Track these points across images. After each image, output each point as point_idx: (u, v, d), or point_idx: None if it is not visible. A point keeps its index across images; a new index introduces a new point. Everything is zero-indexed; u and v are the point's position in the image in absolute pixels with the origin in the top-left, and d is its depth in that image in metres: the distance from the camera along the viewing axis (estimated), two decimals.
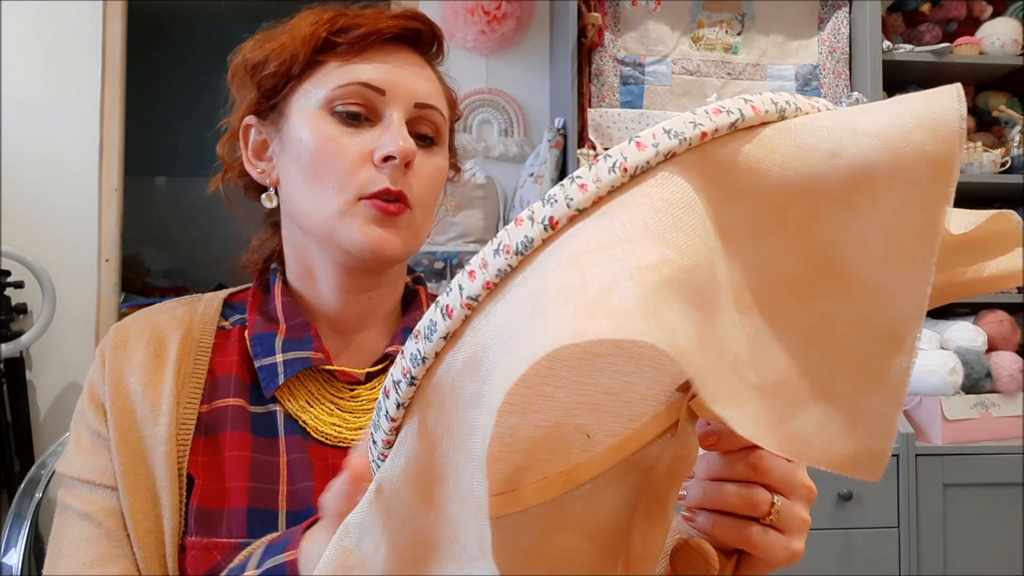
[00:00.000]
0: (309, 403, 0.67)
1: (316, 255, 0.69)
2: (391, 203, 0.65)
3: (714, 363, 0.29)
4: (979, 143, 2.15)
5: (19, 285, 2.18)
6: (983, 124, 2.29)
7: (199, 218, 3.37)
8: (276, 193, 0.71)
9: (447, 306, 0.32)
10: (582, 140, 2.08)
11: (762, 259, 0.33)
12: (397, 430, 0.34)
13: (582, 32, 2.09)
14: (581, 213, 0.32)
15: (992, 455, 1.92)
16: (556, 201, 0.32)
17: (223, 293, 0.75)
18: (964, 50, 2.17)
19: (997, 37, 2.17)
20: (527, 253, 0.31)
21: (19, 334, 2.13)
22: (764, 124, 0.33)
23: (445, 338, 0.32)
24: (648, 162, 0.32)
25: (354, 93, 0.66)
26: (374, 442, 0.36)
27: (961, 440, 1.95)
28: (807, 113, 0.34)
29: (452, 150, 0.76)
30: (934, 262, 0.30)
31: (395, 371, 0.33)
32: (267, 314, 0.71)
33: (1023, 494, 1.91)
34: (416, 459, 0.33)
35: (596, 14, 2.08)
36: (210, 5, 3.45)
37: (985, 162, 2.11)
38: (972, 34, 2.21)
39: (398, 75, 0.67)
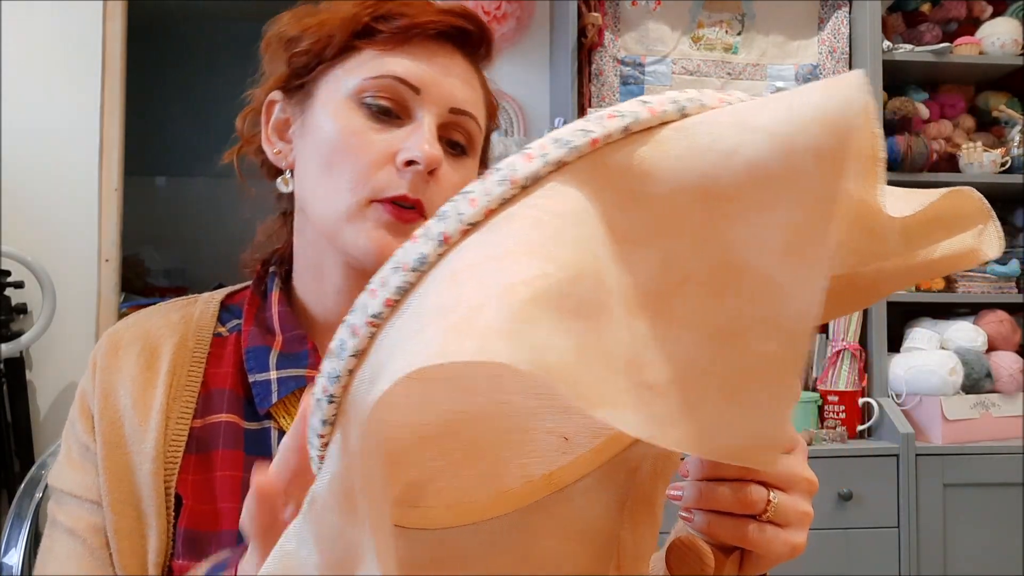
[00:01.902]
0: None
1: (325, 251, 0.66)
2: (406, 210, 0.60)
3: (600, 369, 0.30)
4: (979, 143, 2.15)
5: (19, 285, 2.17)
6: (983, 124, 2.29)
7: (199, 218, 3.37)
8: (292, 176, 0.67)
9: (353, 324, 0.33)
10: None
11: (663, 261, 0.33)
12: (326, 445, 0.35)
13: (582, 32, 2.09)
14: (473, 227, 0.32)
15: (992, 455, 1.93)
16: (448, 216, 0.32)
17: (220, 294, 0.72)
18: (964, 50, 2.17)
19: (997, 37, 2.17)
20: (423, 269, 0.32)
21: (19, 334, 2.13)
22: (663, 124, 0.33)
23: (354, 356, 0.32)
24: (537, 173, 0.32)
25: (387, 87, 0.61)
26: (312, 457, 0.37)
27: (961, 440, 1.95)
28: (713, 108, 0.34)
29: (484, 163, 0.71)
30: (826, 258, 0.29)
31: (316, 389, 0.34)
32: (263, 324, 0.68)
33: (1023, 494, 1.91)
34: (339, 474, 0.34)
35: (596, 14, 2.08)
36: (210, 5, 3.45)
37: (985, 162, 2.11)
38: (972, 34, 2.21)
39: (437, 75, 0.62)
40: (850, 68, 2.15)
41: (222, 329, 0.69)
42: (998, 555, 1.90)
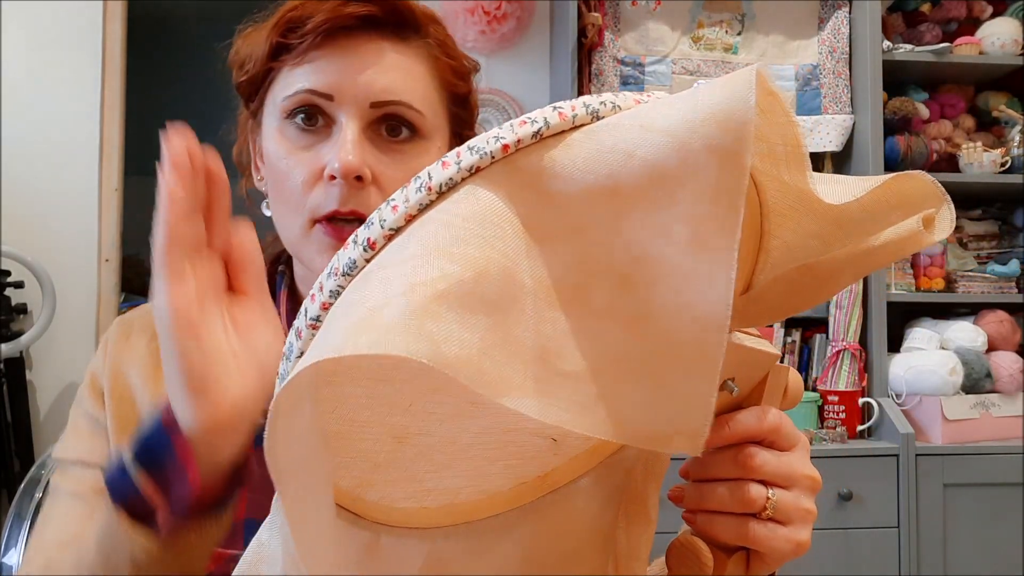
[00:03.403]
0: None
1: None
2: (346, 226, 0.59)
3: (506, 359, 0.31)
4: (979, 143, 2.15)
5: (19, 285, 2.17)
6: (983, 124, 2.29)
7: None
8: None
9: (298, 327, 0.35)
10: None
11: (579, 256, 0.34)
12: None
13: (582, 32, 2.09)
14: (395, 232, 0.34)
15: (992, 455, 1.93)
16: (372, 223, 0.34)
17: None
18: (964, 50, 2.17)
19: (997, 37, 2.17)
20: (352, 273, 0.34)
21: (19, 334, 2.13)
22: (575, 128, 0.34)
23: (299, 356, 0.34)
24: (452, 179, 0.34)
25: (301, 101, 0.60)
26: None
27: (961, 440, 1.95)
28: (626, 109, 0.35)
29: (468, 130, 0.68)
30: (734, 248, 0.30)
31: (276, 393, 0.35)
32: None
33: (1023, 494, 1.91)
34: None
35: (596, 14, 2.08)
36: (210, 5, 3.45)
37: (985, 162, 2.11)
38: (972, 34, 2.21)
39: (350, 73, 0.59)
40: (850, 68, 2.15)
41: None
42: (998, 555, 1.90)
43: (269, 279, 0.70)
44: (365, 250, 0.34)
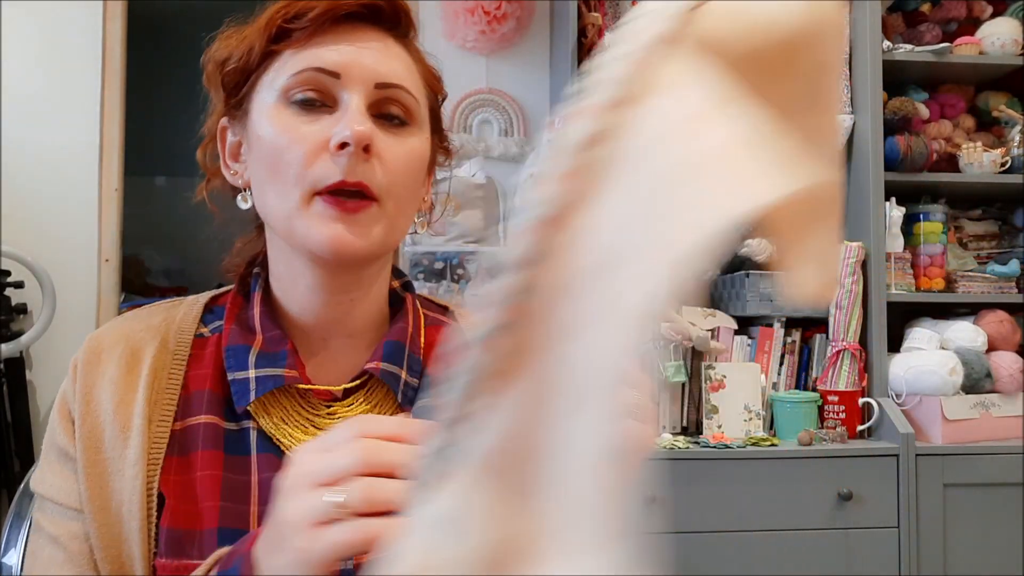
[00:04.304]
0: (283, 420, 0.64)
1: (293, 256, 0.66)
2: (350, 199, 0.61)
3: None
4: (979, 143, 2.14)
5: (19, 285, 2.17)
6: (983, 124, 2.29)
7: (199, 218, 3.36)
8: (250, 193, 0.68)
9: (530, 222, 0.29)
10: None
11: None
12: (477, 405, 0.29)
13: (582, 32, 2.09)
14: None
15: (992, 455, 1.92)
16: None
17: (205, 296, 0.72)
18: (964, 50, 2.17)
19: (997, 37, 2.17)
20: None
21: (19, 334, 2.13)
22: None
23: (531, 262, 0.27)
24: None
25: (308, 80, 0.62)
26: (447, 418, 0.31)
27: (961, 440, 1.95)
28: None
29: (440, 132, 0.72)
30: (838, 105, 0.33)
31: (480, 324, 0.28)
32: (244, 323, 0.68)
33: (1023, 494, 1.91)
34: (508, 434, 0.29)
35: (596, 14, 2.08)
36: (210, 5, 3.44)
37: (985, 162, 2.11)
38: (972, 34, 2.21)
39: (355, 55, 0.63)
40: (850, 68, 2.15)
41: (204, 330, 0.69)
42: (998, 555, 1.90)
43: (243, 280, 0.72)
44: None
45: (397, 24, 0.67)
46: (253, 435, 0.64)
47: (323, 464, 0.44)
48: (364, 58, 0.63)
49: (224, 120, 0.69)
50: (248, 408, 0.64)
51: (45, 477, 0.64)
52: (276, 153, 0.62)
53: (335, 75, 0.62)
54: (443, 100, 0.73)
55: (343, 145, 0.60)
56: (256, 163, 0.65)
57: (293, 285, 0.67)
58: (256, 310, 0.68)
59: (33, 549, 0.63)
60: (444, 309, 0.78)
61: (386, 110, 0.64)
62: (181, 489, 0.61)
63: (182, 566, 0.58)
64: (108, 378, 0.64)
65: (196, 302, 0.72)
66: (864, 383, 2.05)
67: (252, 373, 0.64)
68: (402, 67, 0.65)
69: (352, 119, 0.60)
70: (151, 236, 3.52)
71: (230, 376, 0.65)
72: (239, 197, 0.69)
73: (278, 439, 0.64)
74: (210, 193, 0.73)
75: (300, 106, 0.62)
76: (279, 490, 0.45)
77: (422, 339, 0.72)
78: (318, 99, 0.63)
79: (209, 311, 0.71)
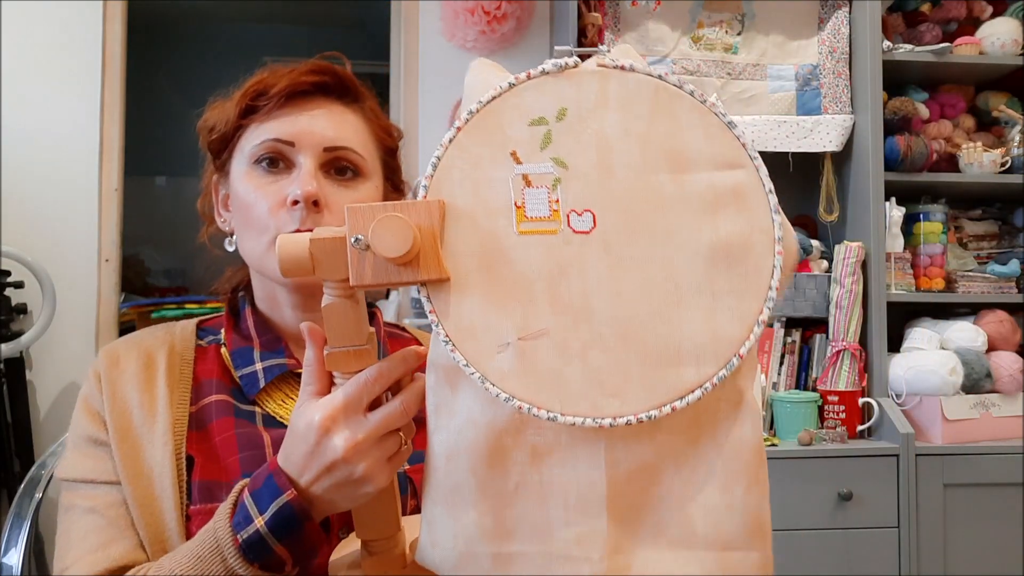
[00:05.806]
0: (285, 400, 0.76)
1: (270, 283, 0.79)
2: None
3: None
4: (979, 143, 2.15)
5: (19, 285, 2.17)
6: (983, 124, 2.29)
7: (199, 218, 3.36)
8: (236, 238, 0.81)
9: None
10: None
11: None
12: None
13: (582, 32, 2.09)
14: None
15: (992, 455, 1.93)
16: None
17: (193, 321, 0.84)
18: (964, 50, 2.17)
19: (997, 37, 2.17)
20: None
21: (19, 334, 2.13)
22: None
23: None
24: None
25: (269, 148, 0.76)
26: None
27: (961, 440, 1.95)
28: None
29: (393, 176, 0.85)
30: None
31: None
32: (241, 333, 0.80)
33: (1023, 494, 1.91)
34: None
35: (596, 14, 2.08)
36: (210, 5, 3.45)
37: (985, 162, 2.11)
38: (972, 34, 2.21)
39: (308, 125, 0.76)
40: (850, 68, 2.15)
41: (201, 343, 0.81)
42: (998, 555, 1.90)
43: (232, 302, 0.85)
44: None
45: (347, 93, 0.80)
46: (259, 417, 0.75)
47: (357, 391, 0.56)
48: (315, 127, 0.76)
49: (215, 177, 0.83)
50: (255, 397, 0.76)
51: (76, 464, 0.72)
52: (247, 207, 0.76)
53: (290, 143, 0.76)
54: (400, 139, 0.86)
55: (296, 202, 0.73)
56: (235, 214, 0.79)
57: (276, 305, 0.81)
58: (250, 321, 0.81)
59: (65, 528, 0.70)
60: (399, 327, 0.92)
61: (338, 165, 0.77)
62: (205, 454, 0.72)
63: (215, 509, 0.65)
64: (130, 374, 0.75)
65: (188, 324, 0.83)
66: (864, 383, 2.05)
67: (259, 366, 0.77)
68: (350, 130, 0.78)
69: (303, 181, 0.74)
70: (151, 236, 3.52)
71: (238, 373, 0.77)
72: (226, 241, 0.83)
73: (282, 416, 0.75)
74: (211, 240, 0.87)
75: (265, 169, 0.76)
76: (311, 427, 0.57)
77: (388, 349, 0.85)
78: (278, 161, 0.76)
79: (201, 329, 0.83)
